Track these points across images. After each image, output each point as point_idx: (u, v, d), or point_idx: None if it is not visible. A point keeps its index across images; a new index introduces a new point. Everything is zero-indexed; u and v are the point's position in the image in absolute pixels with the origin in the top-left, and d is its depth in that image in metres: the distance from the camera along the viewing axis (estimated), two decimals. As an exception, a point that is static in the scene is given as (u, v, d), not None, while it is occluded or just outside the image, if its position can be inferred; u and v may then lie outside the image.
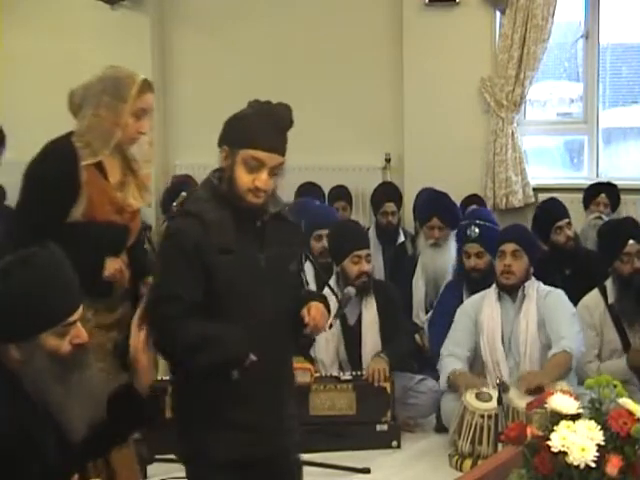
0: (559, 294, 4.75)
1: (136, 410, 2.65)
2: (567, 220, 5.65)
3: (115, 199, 3.35)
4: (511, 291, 4.75)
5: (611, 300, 4.95)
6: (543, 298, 4.70)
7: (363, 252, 4.94)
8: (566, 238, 5.60)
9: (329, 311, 2.95)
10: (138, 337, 2.71)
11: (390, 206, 6.47)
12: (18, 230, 3.29)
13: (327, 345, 4.90)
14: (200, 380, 2.80)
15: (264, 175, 2.77)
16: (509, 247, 4.77)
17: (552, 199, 5.98)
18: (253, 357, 2.74)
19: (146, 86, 3.35)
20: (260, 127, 2.78)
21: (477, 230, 5.17)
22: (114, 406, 2.57)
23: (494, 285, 4.82)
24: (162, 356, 2.95)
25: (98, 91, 3.30)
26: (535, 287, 4.75)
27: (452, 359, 4.70)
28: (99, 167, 3.32)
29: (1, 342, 2.31)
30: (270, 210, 2.87)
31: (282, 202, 2.97)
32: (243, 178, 2.77)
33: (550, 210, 5.76)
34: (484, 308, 4.77)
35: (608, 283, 4.99)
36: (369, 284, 4.94)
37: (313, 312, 2.86)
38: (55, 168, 3.28)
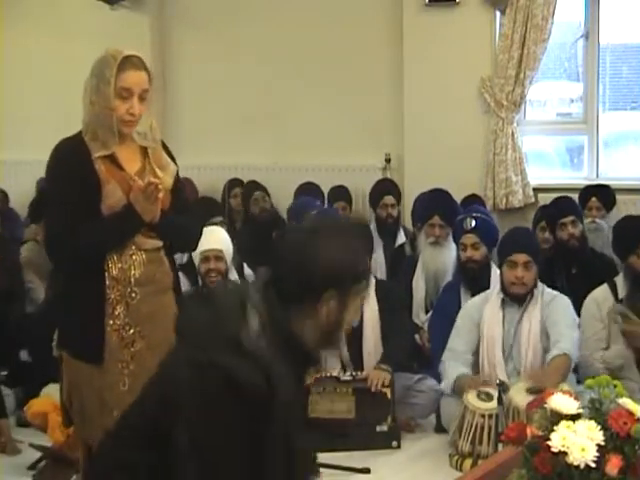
0: (564, 300, 4.67)
1: None
2: (572, 218, 5.63)
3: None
4: (518, 298, 4.67)
5: (621, 296, 4.91)
6: (548, 303, 4.62)
7: None
8: (569, 236, 5.59)
9: None
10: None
11: (389, 199, 6.49)
12: (50, 233, 3.23)
13: None
14: None
15: None
16: (521, 258, 4.60)
17: (565, 197, 5.97)
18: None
19: (127, 63, 3.14)
20: None
21: (473, 222, 5.15)
22: None
23: (497, 290, 4.74)
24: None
25: (90, 75, 3.16)
26: (541, 291, 4.67)
27: (456, 364, 4.64)
28: (112, 159, 3.16)
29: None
30: None
31: None
32: None
33: (557, 206, 5.78)
34: (486, 313, 4.70)
35: (618, 279, 4.97)
36: None
37: None
38: (67, 167, 3.13)
